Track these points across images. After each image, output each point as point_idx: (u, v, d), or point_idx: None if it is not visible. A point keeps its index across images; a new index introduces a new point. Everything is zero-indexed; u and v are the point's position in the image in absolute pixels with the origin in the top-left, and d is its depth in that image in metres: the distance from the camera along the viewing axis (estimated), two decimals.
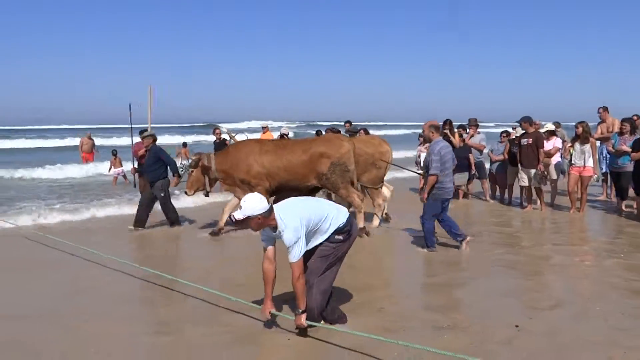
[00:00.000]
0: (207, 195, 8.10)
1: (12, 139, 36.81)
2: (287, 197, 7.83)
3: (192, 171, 7.71)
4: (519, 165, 9.29)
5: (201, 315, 4.46)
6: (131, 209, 9.30)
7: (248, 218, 3.66)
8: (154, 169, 8.13)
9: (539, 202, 9.39)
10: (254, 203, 3.67)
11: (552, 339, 3.89)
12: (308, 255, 3.94)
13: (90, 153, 17.81)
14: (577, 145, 9.13)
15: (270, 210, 3.73)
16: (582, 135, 9.02)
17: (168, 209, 8.26)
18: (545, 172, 9.26)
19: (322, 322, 4.02)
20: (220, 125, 13.30)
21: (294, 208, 3.86)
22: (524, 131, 9.34)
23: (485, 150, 10.96)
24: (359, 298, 4.77)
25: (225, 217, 7.68)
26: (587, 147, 9.01)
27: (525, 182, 9.31)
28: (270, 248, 3.97)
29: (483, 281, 5.45)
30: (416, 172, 9.79)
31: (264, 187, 7.50)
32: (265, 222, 3.74)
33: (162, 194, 8.12)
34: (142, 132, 9.82)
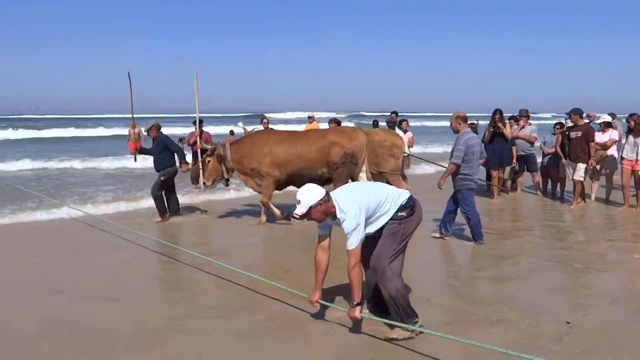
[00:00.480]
0: (226, 184, 8.25)
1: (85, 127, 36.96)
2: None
3: (209, 161, 7.82)
4: (567, 158, 9.02)
5: (247, 302, 4.56)
6: (189, 199, 9.81)
7: (310, 209, 3.57)
8: (160, 158, 8.22)
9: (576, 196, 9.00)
10: (311, 192, 3.59)
11: (606, 336, 3.78)
12: (372, 244, 3.83)
13: (137, 142, 18.16)
14: (630, 137, 8.75)
15: (328, 195, 3.65)
16: (635, 128, 8.63)
17: (156, 195, 8.20)
18: (597, 167, 8.92)
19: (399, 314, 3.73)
20: (265, 115, 13.31)
21: (352, 194, 3.73)
22: (573, 124, 9.04)
23: (537, 143, 10.64)
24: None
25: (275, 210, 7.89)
26: None
27: (569, 176, 9.04)
28: (324, 236, 3.88)
29: (534, 276, 5.33)
30: (442, 166, 9.66)
31: (273, 177, 7.70)
32: (327, 210, 3.63)
33: (162, 178, 8.15)
34: (194, 121, 10.08)
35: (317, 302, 3.95)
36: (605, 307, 4.36)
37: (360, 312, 3.71)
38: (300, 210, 3.58)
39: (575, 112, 8.85)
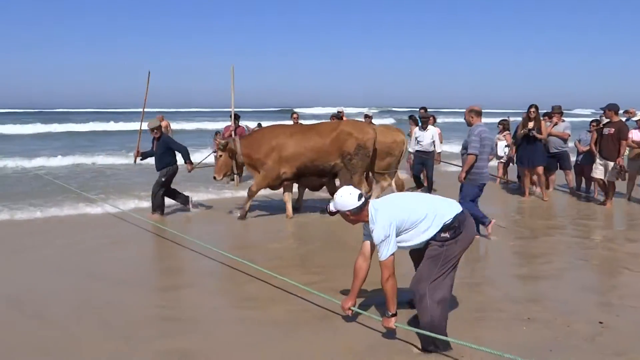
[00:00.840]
0: (232, 179, 8.29)
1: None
2: (307, 183, 8.29)
3: (221, 155, 7.90)
4: (597, 155, 8.82)
5: (281, 294, 4.68)
6: (215, 195, 9.90)
7: (339, 212, 3.63)
8: (162, 158, 8.17)
9: (606, 196, 8.88)
10: (344, 199, 3.58)
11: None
12: (418, 257, 3.74)
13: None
14: None
15: (362, 206, 3.58)
16: None
17: (157, 194, 8.15)
18: (624, 167, 8.68)
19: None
20: (294, 110, 13.39)
21: (389, 206, 3.59)
22: (608, 120, 8.83)
23: (572, 140, 10.46)
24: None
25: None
26: None
27: (600, 175, 8.79)
28: (367, 244, 3.77)
29: (566, 275, 5.31)
30: (456, 165, 9.64)
31: (275, 172, 7.83)
32: (358, 218, 3.62)
33: (163, 179, 8.11)
34: (232, 115, 10.26)
35: (350, 309, 3.89)
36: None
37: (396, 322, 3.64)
38: (331, 207, 3.66)
39: (611, 108, 8.60)
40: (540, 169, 9.44)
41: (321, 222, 7.80)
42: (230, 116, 10.62)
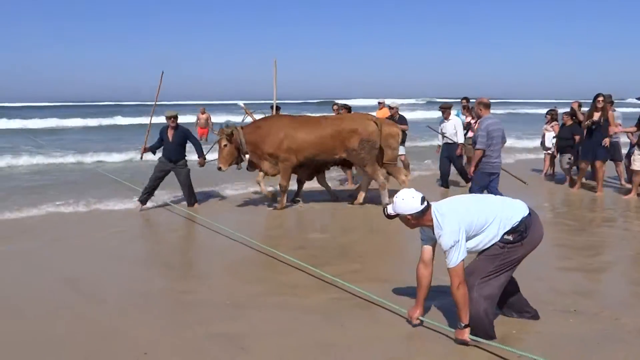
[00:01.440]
0: (239, 168, 8.20)
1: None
2: (313, 172, 8.39)
3: (226, 145, 7.75)
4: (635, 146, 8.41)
5: (321, 282, 4.73)
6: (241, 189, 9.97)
7: (399, 216, 3.45)
8: (179, 149, 8.17)
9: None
10: (406, 202, 3.38)
11: None
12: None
13: (205, 128, 17.78)
14: None
15: (425, 210, 3.40)
16: None
17: (190, 186, 8.23)
18: None
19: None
20: (336, 101, 13.35)
21: (455, 209, 3.42)
22: None
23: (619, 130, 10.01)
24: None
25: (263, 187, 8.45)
26: None
27: (637, 166, 8.36)
28: (427, 249, 3.62)
29: (615, 268, 5.15)
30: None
31: (291, 162, 7.83)
32: (419, 223, 3.45)
33: (188, 169, 8.18)
34: (271, 107, 10.38)
35: (419, 319, 3.71)
36: None
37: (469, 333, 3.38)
38: (390, 210, 3.49)
39: None
40: (599, 163, 8.91)
41: (349, 211, 7.80)
42: (271, 108, 10.76)
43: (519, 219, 3.42)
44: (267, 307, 4.23)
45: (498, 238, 3.41)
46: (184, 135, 8.23)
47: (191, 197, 8.29)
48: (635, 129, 8.49)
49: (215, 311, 4.15)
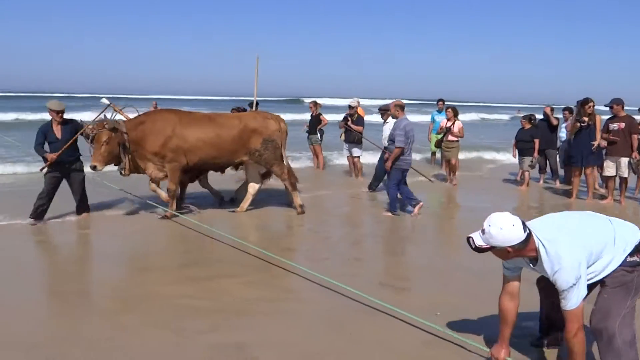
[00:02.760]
0: (123, 174, 7.18)
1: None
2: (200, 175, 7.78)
3: (107, 141, 6.67)
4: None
5: (320, 288, 4.58)
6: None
7: (493, 248, 2.82)
8: (73, 148, 6.95)
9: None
10: (506, 232, 2.73)
11: None
12: (546, 285, 3.14)
13: None
14: None
15: (528, 239, 2.78)
16: None
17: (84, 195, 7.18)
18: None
19: None
20: (316, 100, 13.20)
21: (566, 236, 2.81)
22: (614, 115, 8.53)
23: None
24: (482, 282, 4.76)
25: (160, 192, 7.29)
26: None
27: (611, 172, 8.58)
28: (514, 280, 3.09)
29: None
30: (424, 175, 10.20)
31: (180, 163, 7.05)
32: (520, 254, 2.84)
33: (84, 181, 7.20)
34: (250, 104, 10.23)
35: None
36: None
37: None
38: (479, 241, 2.82)
39: (618, 103, 8.45)
40: (589, 169, 8.76)
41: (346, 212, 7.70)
42: (250, 104, 10.60)
43: (639, 236, 2.91)
44: (271, 313, 4.09)
45: (619, 262, 2.85)
46: (75, 130, 6.91)
47: (84, 204, 7.17)
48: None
49: (220, 318, 3.98)
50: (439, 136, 10.67)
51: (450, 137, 10.20)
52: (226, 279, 4.86)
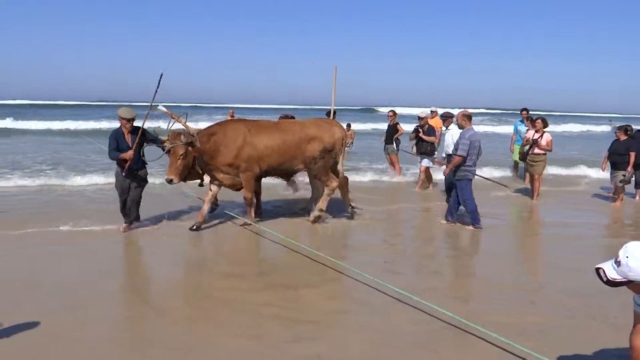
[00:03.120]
0: (202, 185, 7.29)
1: None
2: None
3: (183, 155, 6.56)
4: None
5: (395, 301, 4.48)
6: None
7: (631, 283, 2.54)
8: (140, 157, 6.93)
9: None
10: None
11: None
12: None
13: None
14: None
15: None
16: None
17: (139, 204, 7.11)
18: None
19: None
20: (393, 109, 13.07)
21: None
22: None
23: None
24: (573, 302, 4.45)
25: (205, 208, 7.08)
26: None
27: None
28: None
29: None
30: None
31: (254, 172, 7.00)
32: None
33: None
34: (328, 113, 10.27)
35: None
36: None
37: None
38: (612, 274, 2.54)
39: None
40: None
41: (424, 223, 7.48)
42: (327, 113, 10.66)
43: None
44: (352, 326, 4.04)
45: None
46: (144, 137, 6.85)
47: (136, 213, 7.01)
48: None
49: (300, 328, 3.97)
50: (524, 147, 10.16)
51: (536, 150, 9.49)
52: (304, 289, 4.86)
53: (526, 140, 9.80)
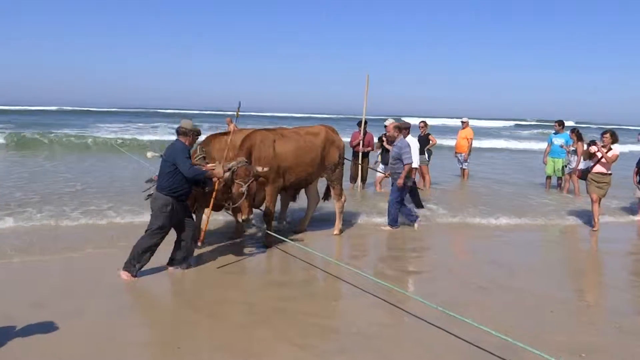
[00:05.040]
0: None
1: None
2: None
3: (245, 192, 5.59)
4: None
5: (448, 318, 4.40)
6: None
7: None
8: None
9: None
10: None
11: None
12: None
13: None
14: None
15: None
16: None
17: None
18: None
19: None
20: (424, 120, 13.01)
21: None
22: None
23: None
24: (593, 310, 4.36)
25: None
26: None
27: None
28: None
29: None
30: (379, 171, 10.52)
31: (279, 184, 6.44)
32: None
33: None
34: (359, 122, 10.35)
35: None
36: None
37: None
38: None
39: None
40: None
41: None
42: (358, 123, 10.71)
43: None
44: (397, 340, 4.03)
45: None
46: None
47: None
48: None
49: (346, 340, 3.98)
50: (558, 159, 10.04)
51: (600, 169, 8.03)
52: (348, 300, 4.89)
53: (588, 155, 8.23)
